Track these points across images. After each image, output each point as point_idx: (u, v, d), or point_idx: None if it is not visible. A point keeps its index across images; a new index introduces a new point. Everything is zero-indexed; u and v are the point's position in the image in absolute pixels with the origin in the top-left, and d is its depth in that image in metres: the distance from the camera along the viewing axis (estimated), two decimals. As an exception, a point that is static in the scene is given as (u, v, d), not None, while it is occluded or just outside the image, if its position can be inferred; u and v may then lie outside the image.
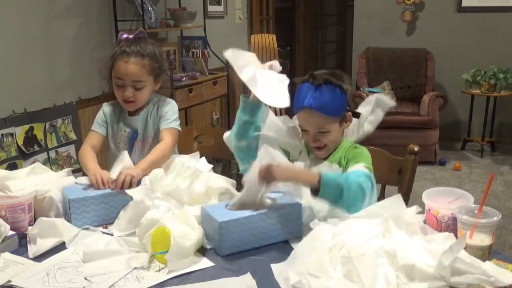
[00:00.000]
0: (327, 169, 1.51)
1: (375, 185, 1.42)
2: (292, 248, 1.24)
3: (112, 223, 1.47)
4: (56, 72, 3.05)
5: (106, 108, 1.93)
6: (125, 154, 1.69)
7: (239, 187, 1.57)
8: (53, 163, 2.95)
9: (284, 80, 1.51)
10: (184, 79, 3.80)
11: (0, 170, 1.66)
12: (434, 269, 1.07)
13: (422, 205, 1.35)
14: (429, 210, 1.33)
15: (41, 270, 1.21)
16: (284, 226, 1.34)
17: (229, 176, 1.67)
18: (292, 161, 1.56)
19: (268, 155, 1.38)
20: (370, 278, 1.07)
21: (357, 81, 5.08)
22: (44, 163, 2.81)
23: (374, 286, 1.06)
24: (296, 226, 1.36)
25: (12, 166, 2.63)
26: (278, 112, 2.50)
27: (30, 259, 1.27)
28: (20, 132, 2.74)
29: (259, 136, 1.55)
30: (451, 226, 1.29)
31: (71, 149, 3.08)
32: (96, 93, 3.28)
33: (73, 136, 3.09)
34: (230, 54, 1.47)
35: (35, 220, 1.45)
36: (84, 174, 1.67)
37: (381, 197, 1.78)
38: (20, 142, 2.73)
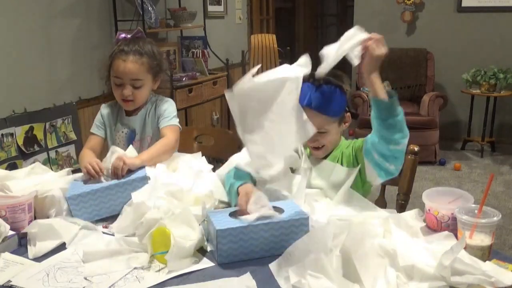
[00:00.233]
0: (331, 168, 1.52)
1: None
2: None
3: (114, 216, 1.47)
4: (56, 72, 3.05)
5: (104, 110, 1.93)
6: (116, 148, 1.71)
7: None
8: (53, 163, 2.95)
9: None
10: (184, 79, 3.80)
11: (0, 170, 1.66)
12: (435, 269, 1.07)
13: (422, 205, 1.36)
14: (429, 210, 1.33)
15: (41, 270, 1.21)
16: (289, 239, 1.24)
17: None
18: (293, 170, 1.57)
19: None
20: (370, 278, 1.07)
21: (357, 81, 5.08)
22: (44, 163, 2.81)
23: (375, 286, 1.06)
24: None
25: (12, 166, 2.63)
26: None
27: (30, 259, 1.27)
28: (20, 132, 2.74)
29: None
30: (451, 226, 1.29)
31: (71, 149, 3.09)
32: (96, 93, 3.28)
33: (73, 136, 3.09)
34: (229, 97, 1.28)
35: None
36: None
37: (381, 197, 1.78)
38: (20, 142, 2.73)
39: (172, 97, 3.39)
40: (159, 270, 1.20)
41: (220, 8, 4.81)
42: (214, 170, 1.70)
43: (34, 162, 1.88)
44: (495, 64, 4.64)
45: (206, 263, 1.24)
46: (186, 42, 4.17)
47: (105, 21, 3.39)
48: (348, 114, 1.58)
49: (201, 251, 1.28)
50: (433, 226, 1.32)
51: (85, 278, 1.17)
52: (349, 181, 1.49)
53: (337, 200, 1.49)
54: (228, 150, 1.64)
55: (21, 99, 2.80)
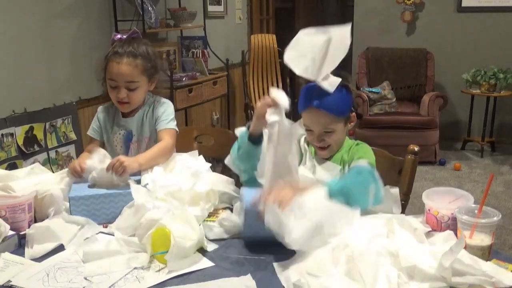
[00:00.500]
0: (334, 169, 1.52)
1: (379, 180, 1.39)
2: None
3: (112, 222, 1.47)
4: (56, 72, 3.05)
5: (100, 114, 1.93)
6: (101, 150, 1.73)
7: (238, 187, 1.57)
8: (53, 163, 2.95)
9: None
10: (184, 79, 3.80)
11: (0, 170, 1.66)
12: (435, 270, 1.07)
13: (422, 205, 1.35)
14: (429, 210, 1.33)
15: (41, 270, 1.21)
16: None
17: (229, 176, 1.67)
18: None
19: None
20: (371, 277, 1.07)
21: (357, 81, 5.08)
22: (44, 163, 2.82)
23: (375, 284, 1.06)
24: None
25: (12, 166, 2.63)
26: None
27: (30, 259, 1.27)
28: (20, 132, 2.74)
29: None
30: (451, 226, 1.28)
31: (71, 149, 3.09)
32: (96, 93, 3.27)
33: (73, 136, 3.09)
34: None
35: (35, 220, 1.45)
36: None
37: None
38: (20, 142, 2.73)
39: (172, 97, 3.39)
40: (159, 270, 1.20)
41: (220, 8, 4.81)
42: (214, 170, 1.70)
43: (34, 162, 1.88)
44: (495, 64, 4.64)
45: (206, 263, 1.24)
46: (186, 42, 4.18)
47: (105, 21, 3.39)
48: (354, 113, 1.58)
49: (201, 251, 1.29)
50: (433, 226, 1.32)
51: (85, 278, 1.17)
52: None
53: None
54: (228, 150, 1.63)
55: (21, 99, 2.80)
